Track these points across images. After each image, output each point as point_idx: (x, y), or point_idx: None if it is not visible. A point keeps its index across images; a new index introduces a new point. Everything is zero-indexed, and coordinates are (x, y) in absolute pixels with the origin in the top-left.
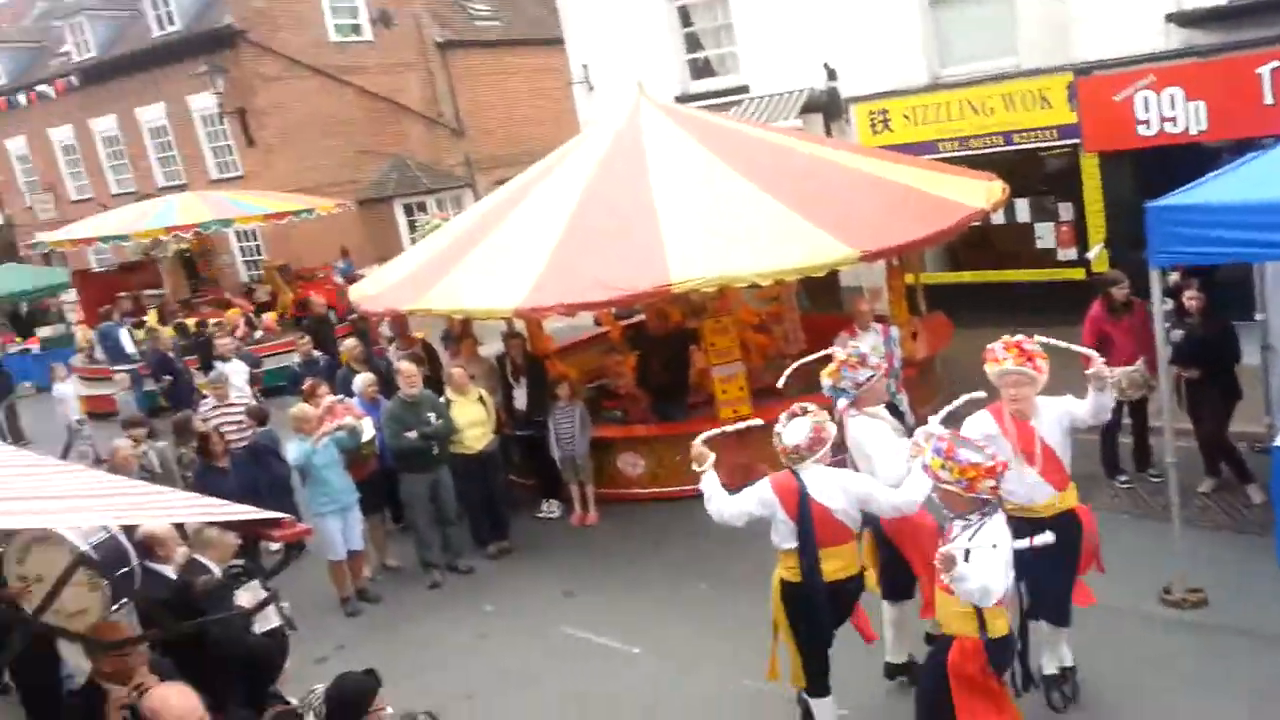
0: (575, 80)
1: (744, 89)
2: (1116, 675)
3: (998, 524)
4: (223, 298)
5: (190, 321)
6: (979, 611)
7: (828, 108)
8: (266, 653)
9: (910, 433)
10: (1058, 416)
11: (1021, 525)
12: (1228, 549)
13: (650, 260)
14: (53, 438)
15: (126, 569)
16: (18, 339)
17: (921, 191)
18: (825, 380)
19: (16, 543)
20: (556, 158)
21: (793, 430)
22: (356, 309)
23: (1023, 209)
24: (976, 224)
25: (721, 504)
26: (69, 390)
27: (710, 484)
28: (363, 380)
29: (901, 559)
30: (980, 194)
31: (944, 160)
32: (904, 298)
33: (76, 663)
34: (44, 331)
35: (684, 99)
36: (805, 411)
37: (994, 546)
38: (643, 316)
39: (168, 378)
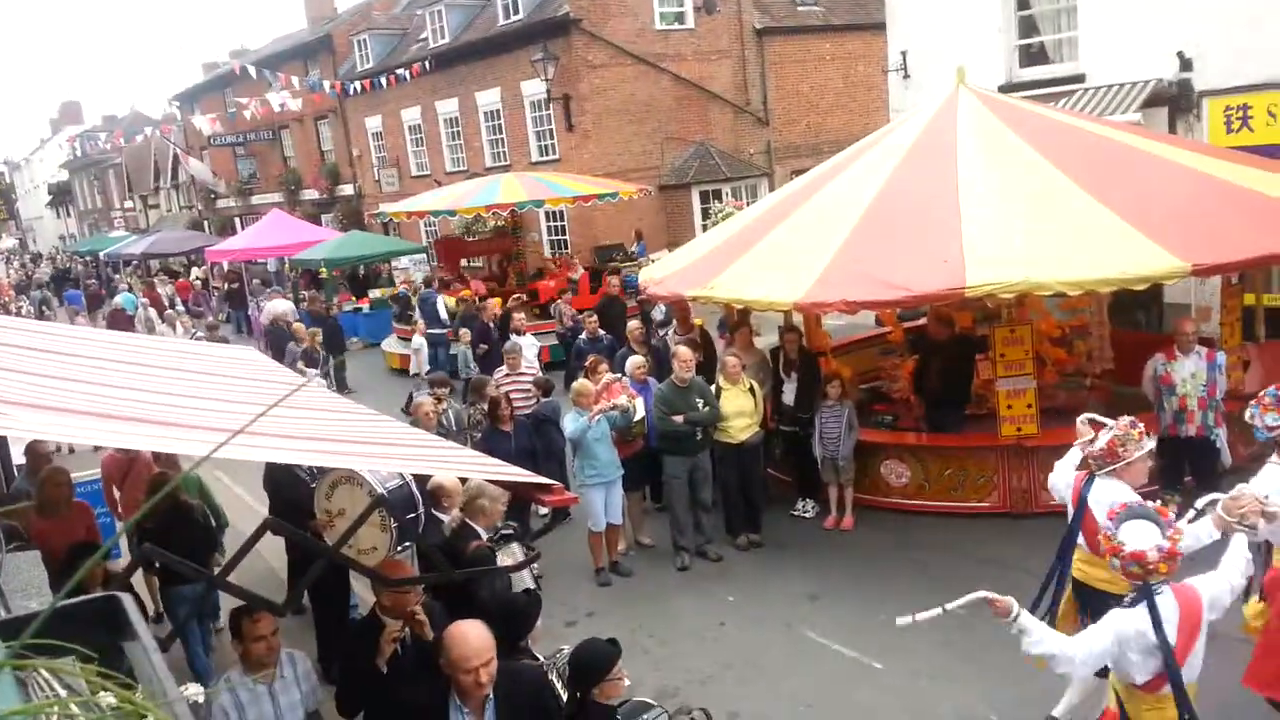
0: (892, 68)
1: (1079, 78)
2: None
3: None
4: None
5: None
6: None
7: (1175, 101)
8: (524, 609)
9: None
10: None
11: None
12: None
13: (945, 260)
14: (372, 388)
15: (413, 514)
16: (353, 298)
17: (1277, 200)
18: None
19: (326, 480)
20: (860, 148)
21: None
22: (643, 291)
23: None
24: None
25: (1067, 648)
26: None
27: (1031, 623)
28: (633, 362)
29: None
30: None
31: None
32: (1239, 320)
33: (362, 595)
34: (375, 293)
35: (1009, 88)
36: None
37: None
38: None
39: (484, 345)
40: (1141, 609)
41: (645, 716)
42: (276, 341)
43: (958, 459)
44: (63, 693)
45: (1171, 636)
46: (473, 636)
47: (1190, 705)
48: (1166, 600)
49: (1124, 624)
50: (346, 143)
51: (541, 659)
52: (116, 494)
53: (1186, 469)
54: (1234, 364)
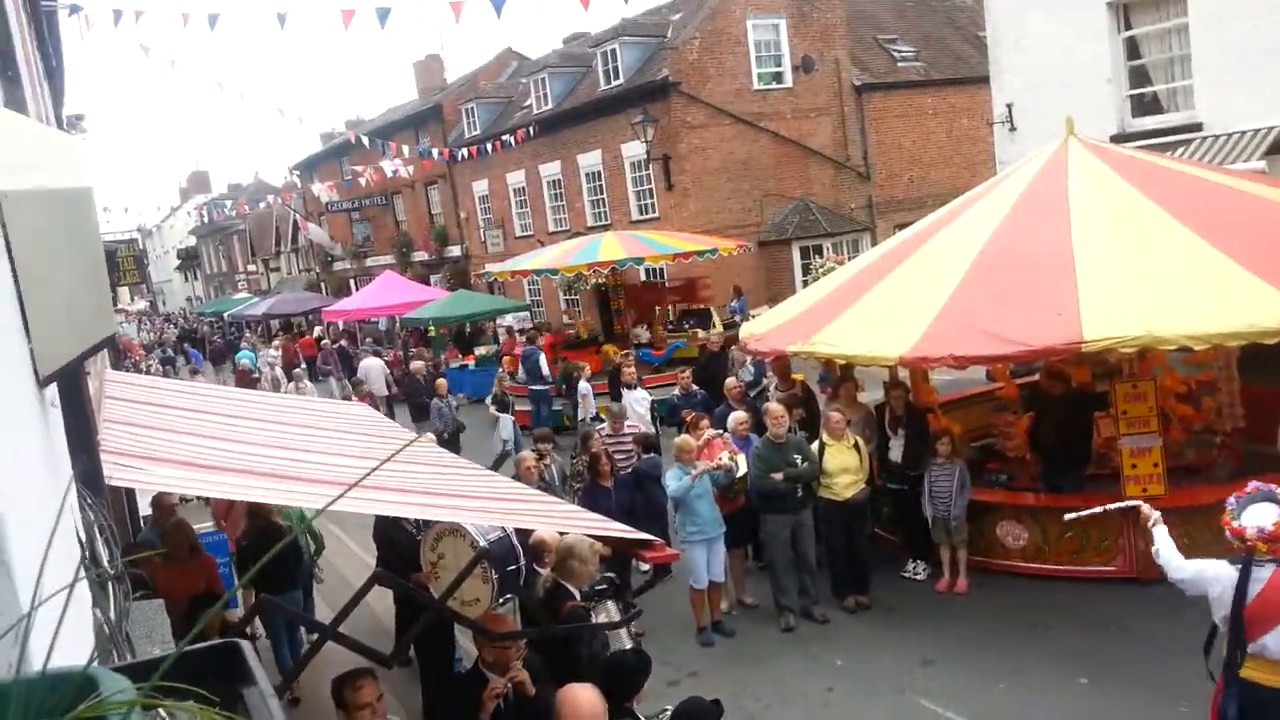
0: (997, 120)
1: (1196, 126)
2: None
3: None
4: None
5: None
6: None
7: None
8: (634, 668)
9: None
10: None
11: None
12: None
13: (1060, 313)
14: (479, 444)
15: (514, 567)
16: (459, 355)
17: None
18: None
19: (431, 533)
20: (967, 200)
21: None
22: (744, 347)
23: None
24: None
25: (1177, 560)
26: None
27: (1162, 536)
28: (735, 418)
29: None
30: None
31: None
32: None
33: (466, 647)
34: (480, 350)
35: (1121, 138)
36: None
37: None
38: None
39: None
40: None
41: None
42: (412, 393)
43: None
44: None
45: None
46: (584, 703)
47: (1229, 668)
48: (1263, 574)
49: (1224, 570)
50: (455, 206)
51: (643, 718)
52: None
53: None
54: None
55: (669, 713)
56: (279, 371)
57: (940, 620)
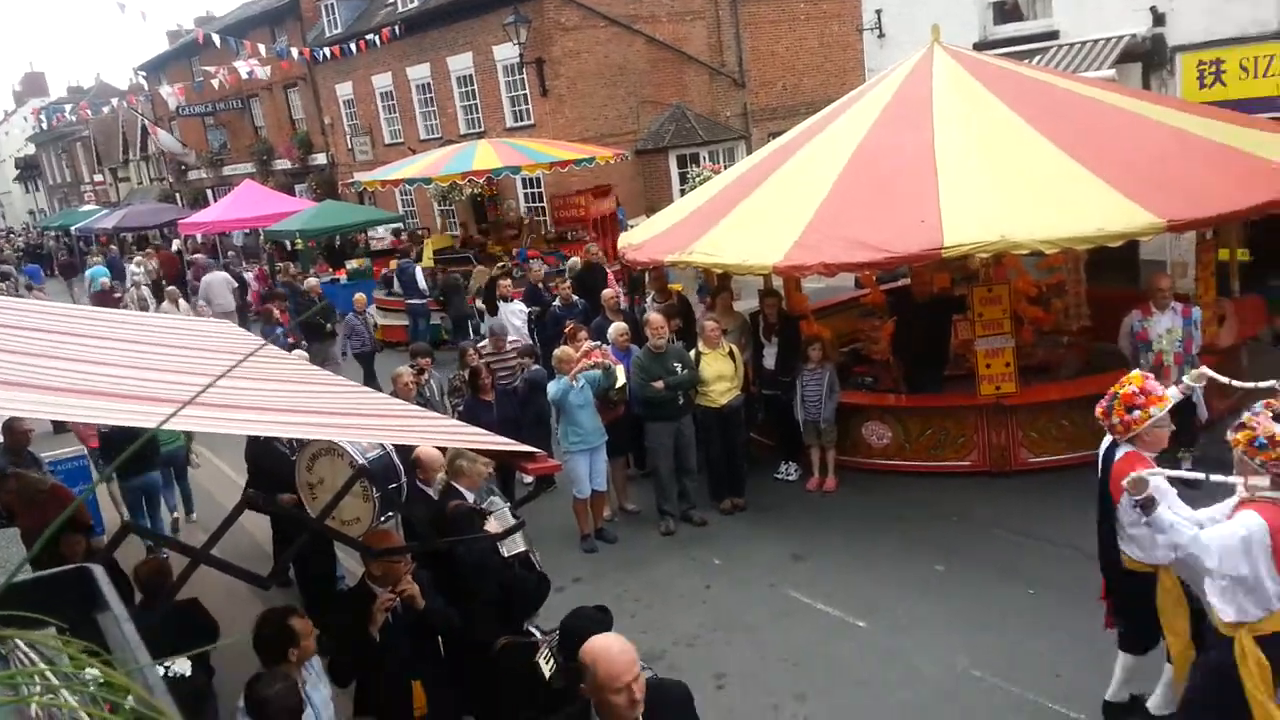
0: (866, 26)
1: (1053, 34)
2: None
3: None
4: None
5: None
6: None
7: (1148, 57)
8: (534, 590)
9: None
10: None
11: None
12: None
13: (923, 220)
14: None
15: (395, 484)
16: (329, 269)
17: (1249, 155)
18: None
19: (306, 452)
20: (836, 109)
21: None
22: (622, 258)
23: None
24: None
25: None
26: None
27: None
28: (615, 329)
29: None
30: None
31: None
32: (1214, 275)
33: (348, 566)
34: (351, 264)
35: (983, 45)
36: None
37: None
38: (907, 280)
39: (536, 307)
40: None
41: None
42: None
43: (937, 419)
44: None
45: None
46: (616, 650)
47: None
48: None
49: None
50: (318, 111)
51: (538, 634)
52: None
53: None
54: (1209, 319)
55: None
56: (146, 291)
57: (810, 518)
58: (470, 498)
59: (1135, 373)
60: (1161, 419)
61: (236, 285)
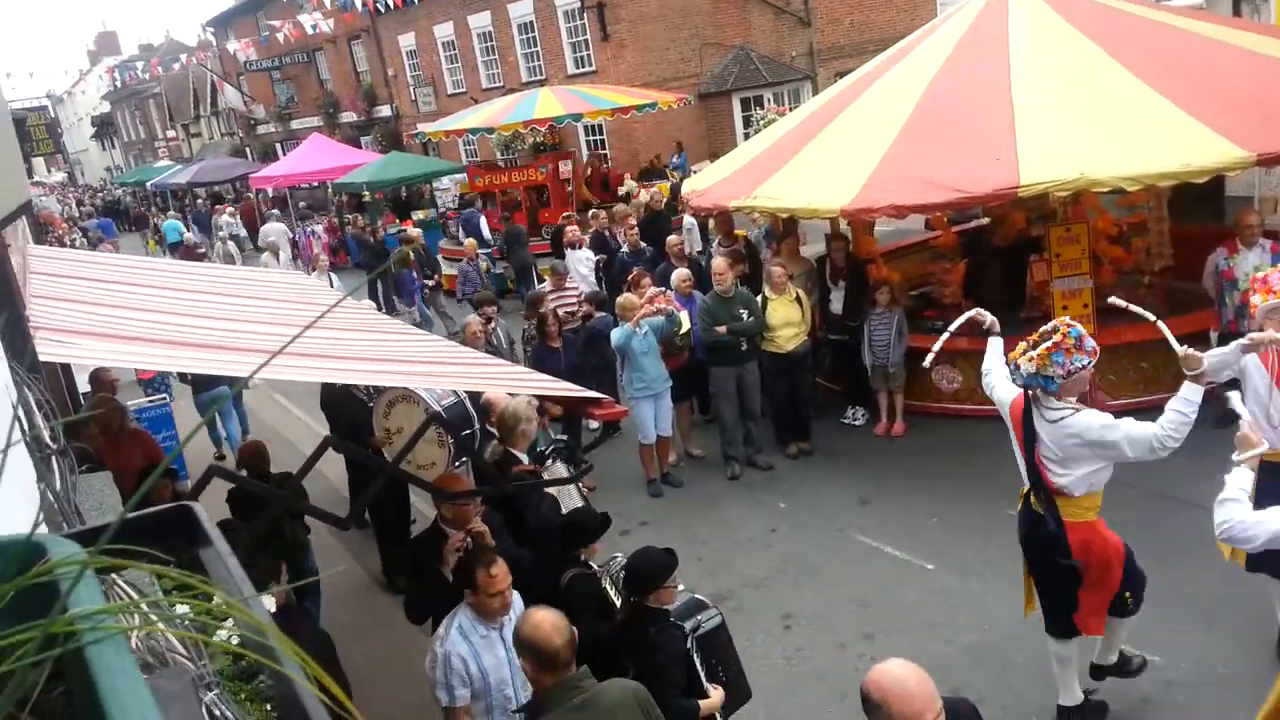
0: None
1: None
2: None
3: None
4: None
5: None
6: None
7: None
8: (594, 523)
9: None
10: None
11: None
12: None
13: (998, 158)
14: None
15: (469, 431)
16: (397, 220)
17: None
18: (1024, 364)
19: (383, 399)
20: (906, 46)
21: None
22: (687, 203)
23: None
24: None
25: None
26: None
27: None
28: (678, 275)
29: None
30: None
31: None
32: None
33: (421, 510)
34: (418, 215)
35: None
36: None
37: None
38: (982, 221)
39: (603, 254)
40: None
41: (700, 616)
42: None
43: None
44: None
45: None
46: (914, 684)
47: None
48: None
49: None
50: (381, 63)
51: (595, 567)
52: None
53: None
54: None
55: (620, 559)
56: (233, 246)
57: (877, 462)
58: (525, 460)
59: (1064, 319)
60: (1078, 368)
61: (290, 235)
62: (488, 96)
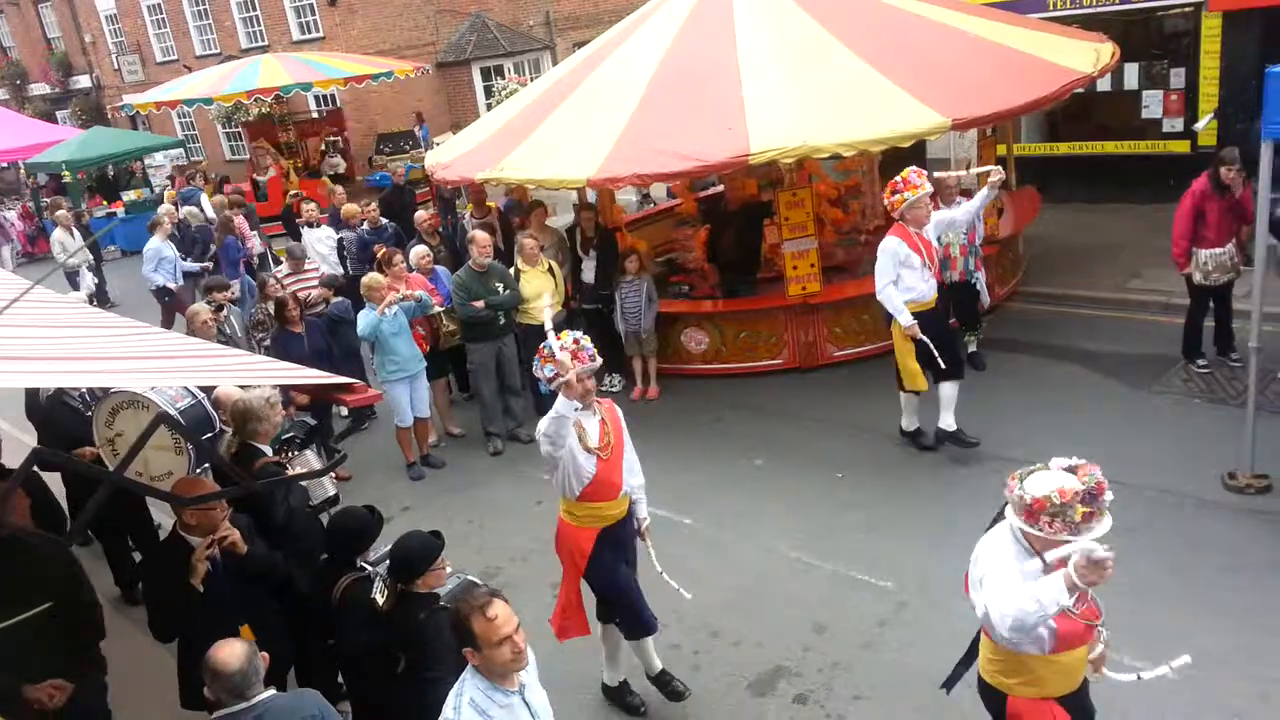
0: None
1: None
2: (1156, 553)
3: None
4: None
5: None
6: None
7: None
8: (369, 527)
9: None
10: (934, 225)
11: (921, 315)
12: None
13: (730, 128)
14: (143, 303)
15: (211, 434)
16: (104, 202)
17: (1023, 54)
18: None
19: (104, 406)
20: (639, 18)
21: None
22: (431, 176)
23: (1131, 75)
24: (1079, 91)
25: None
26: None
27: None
28: (416, 252)
29: None
30: (1088, 58)
31: (1054, 19)
32: None
33: (167, 524)
34: (129, 195)
35: None
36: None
37: None
38: (720, 188)
39: (344, 233)
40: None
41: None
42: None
43: (750, 322)
44: None
45: None
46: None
47: None
48: None
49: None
50: (76, 28)
51: (367, 568)
52: None
53: (951, 311)
54: (990, 211)
55: (382, 552)
56: None
57: (635, 425)
58: (268, 451)
59: (908, 168)
60: (917, 201)
61: None
62: (203, 65)
